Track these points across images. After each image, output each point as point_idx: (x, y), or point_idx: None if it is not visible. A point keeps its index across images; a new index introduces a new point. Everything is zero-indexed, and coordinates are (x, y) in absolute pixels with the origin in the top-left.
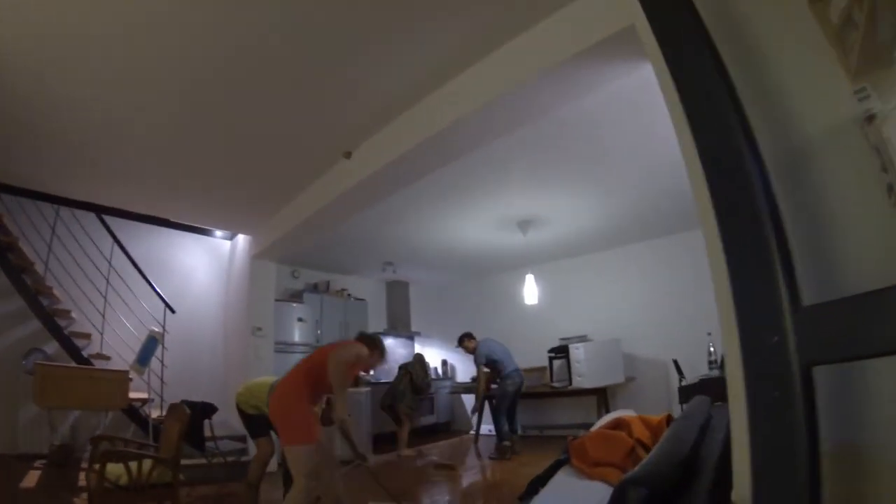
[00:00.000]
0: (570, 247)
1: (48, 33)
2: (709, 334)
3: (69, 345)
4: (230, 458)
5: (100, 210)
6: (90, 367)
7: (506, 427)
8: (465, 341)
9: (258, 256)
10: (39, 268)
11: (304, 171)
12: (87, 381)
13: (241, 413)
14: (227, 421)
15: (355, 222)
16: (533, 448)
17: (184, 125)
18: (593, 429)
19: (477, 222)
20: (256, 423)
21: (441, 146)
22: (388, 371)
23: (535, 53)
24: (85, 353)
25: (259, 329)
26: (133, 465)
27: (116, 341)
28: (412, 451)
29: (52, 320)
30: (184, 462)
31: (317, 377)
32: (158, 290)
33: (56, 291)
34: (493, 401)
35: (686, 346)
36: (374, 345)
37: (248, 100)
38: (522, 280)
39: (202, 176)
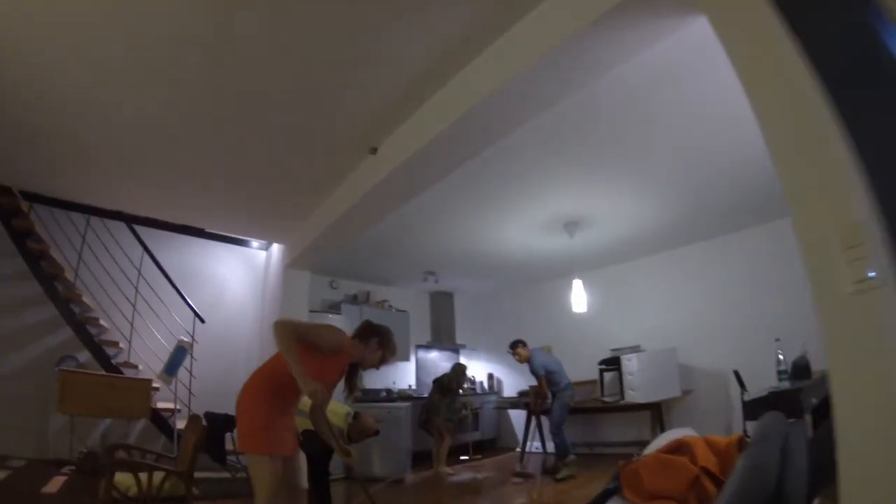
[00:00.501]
0: (618, 251)
1: (60, 33)
2: (777, 340)
3: (99, 353)
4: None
5: (130, 220)
6: (112, 374)
7: (568, 442)
8: (518, 348)
9: (291, 265)
10: (69, 275)
11: (329, 173)
12: (109, 388)
13: None
14: None
15: (394, 231)
16: (582, 466)
17: (203, 129)
18: (648, 451)
19: (521, 225)
20: None
21: (473, 126)
22: (427, 386)
23: (561, 17)
24: (113, 362)
25: None
26: (144, 476)
27: (145, 350)
28: (450, 468)
29: (83, 328)
30: (206, 475)
31: (285, 377)
32: (188, 299)
33: (85, 299)
34: (549, 416)
35: (747, 354)
36: (368, 334)
37: (263, 102)
38: (570, 287)
39: (227, 182)
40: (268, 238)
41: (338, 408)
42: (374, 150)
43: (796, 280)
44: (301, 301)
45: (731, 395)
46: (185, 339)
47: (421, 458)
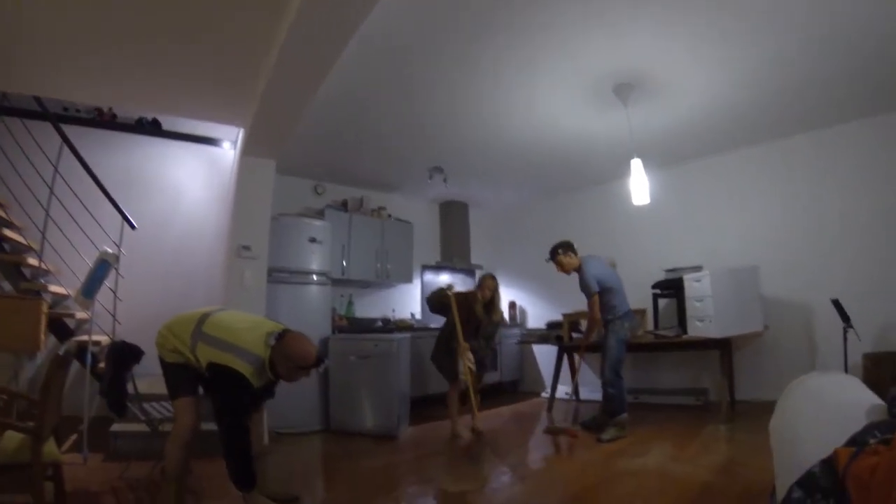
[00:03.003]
0: (681, 143)
1: None
2: None
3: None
4: (165, 428)
5: (56, 118)
6: None
7: (625, 393)
8: (559, 255)
9: (247, 152)
10: None
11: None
12: None
13: (161, 361)
14: None
15: (394, 119)
16: (630, 420)
17: None
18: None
19: (556, 92)
20: (176, 376)
21: None
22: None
23: None
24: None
25: (246, 248)
26: None
27: (62, 268)
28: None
29: None
30: (122, 429)
31: None
32: (119, 203)
33: None
34: (602, 354)
35: (844, 282)
36: None
37: None
38: (613, 196)
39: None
40: (222, 118)
41: (251, 323)
42: None
43: None
44: (262, 199)
45: (815, 333)
46: (109, 249)
47: (423, 406)
